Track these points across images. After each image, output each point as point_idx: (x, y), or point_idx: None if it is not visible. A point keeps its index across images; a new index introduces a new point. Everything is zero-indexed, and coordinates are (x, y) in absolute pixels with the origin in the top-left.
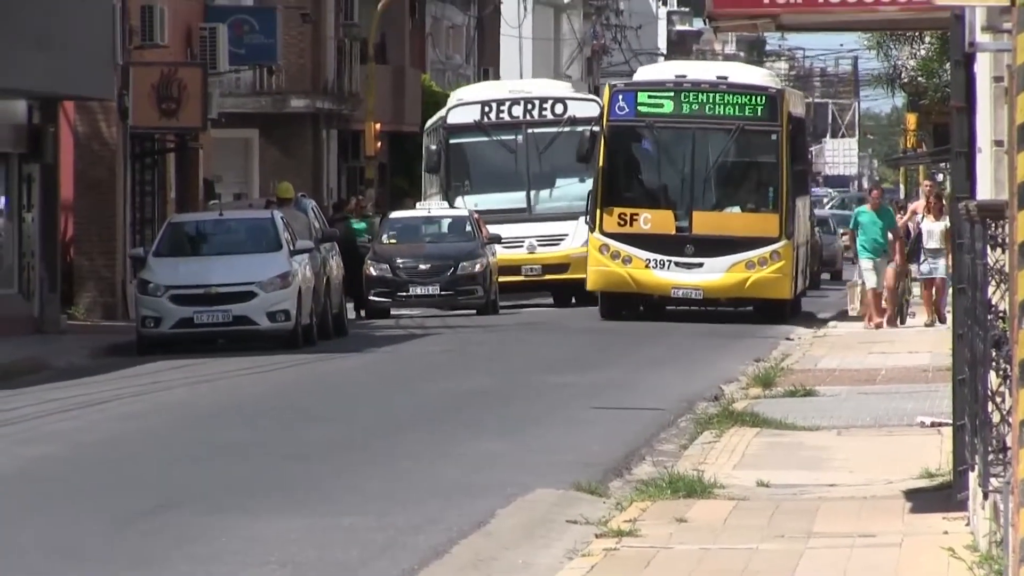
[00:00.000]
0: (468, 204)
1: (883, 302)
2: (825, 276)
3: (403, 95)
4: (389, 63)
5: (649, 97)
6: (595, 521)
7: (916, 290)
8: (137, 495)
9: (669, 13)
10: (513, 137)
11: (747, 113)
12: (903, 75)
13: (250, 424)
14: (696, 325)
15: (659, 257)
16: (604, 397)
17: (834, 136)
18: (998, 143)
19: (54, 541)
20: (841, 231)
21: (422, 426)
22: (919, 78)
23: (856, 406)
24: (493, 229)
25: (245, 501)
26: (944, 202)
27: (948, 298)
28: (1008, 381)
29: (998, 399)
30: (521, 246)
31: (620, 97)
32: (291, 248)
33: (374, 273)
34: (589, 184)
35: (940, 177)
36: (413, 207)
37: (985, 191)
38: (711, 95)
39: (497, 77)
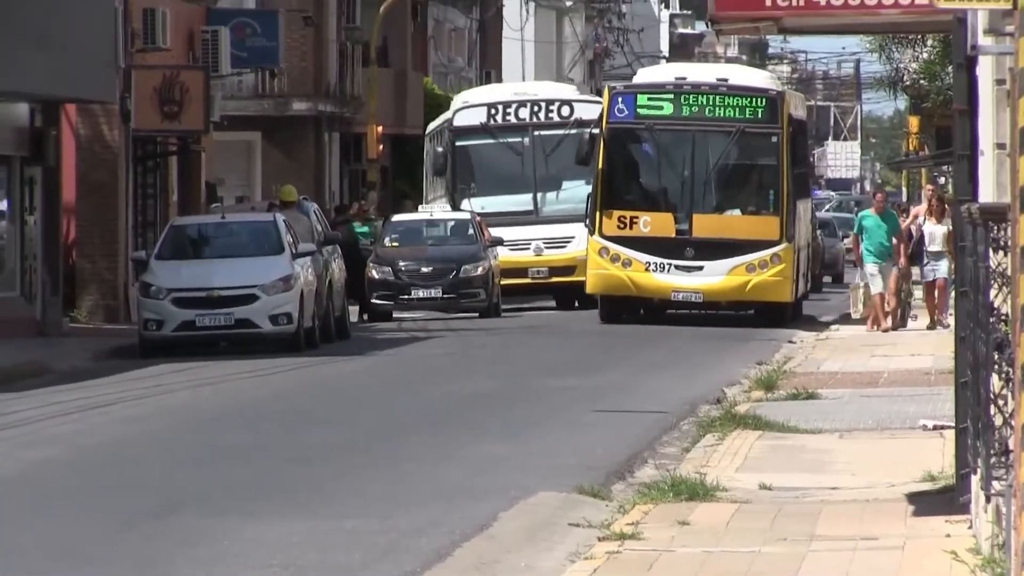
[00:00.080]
0: (474, 206)
1: (886, 305)
2: (826, 279)
3: (405, 98)
4: (391, 66)
5: (649, 99)
6: (597, 524)
7: (918, 293)
8: (139, 498)
9: (671, 16)
10: (520, 139)
11: (747, 115)
12: (905, 78)
13: (252, 427)
14: (697, 328)
15: (659, 260)
16: (606, 400)
17: (836, 139)
18: (1000, 146)
19: (56, 543)
20: (842, 234)
21: (424, 429)
22: (921, 81)
23: (858, 409)
24: (500, 231)
25: (247, 504)
26: (946, 205)
27: (950, 300)
28: (1010, 384)
29: (1000, 402)
30: (528, 248)
31: (620, 99)
32: (293, 251)
33: (376, 276)
34: None
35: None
36: (414, 210)
37: (987, 194)
38: (711, 97)
39: (499, 80)
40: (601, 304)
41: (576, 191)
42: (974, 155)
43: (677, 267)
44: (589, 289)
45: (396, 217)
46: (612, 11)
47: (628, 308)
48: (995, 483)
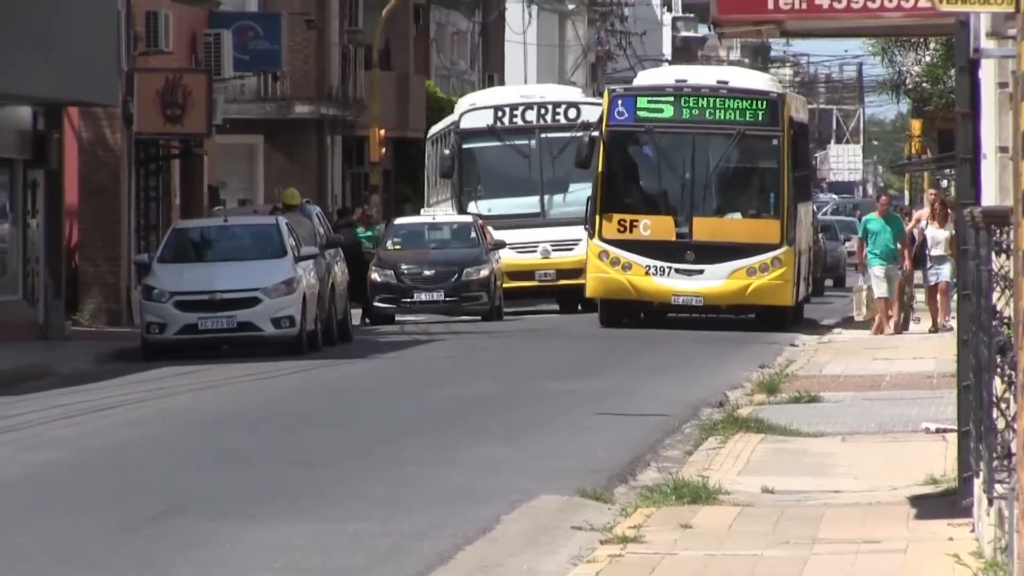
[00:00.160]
0: (481, 209)
1: (890, 310)
2: (828, 283)
3: (407, 101)
4: (393, 69)
5: (649, 102)
6: (600, 527)
7: (920, 296)
8: (141, 501)
9: (674, 19)
10: (526, 142)
11: (748, 118)
12: (908, 81)
13: (255, 430)
14: (698, 332)
15: (659, 264)
16: (608, 403)
17: (838, 142)
18: (1003, 149)
19: (58, 546)
20: (843, 237)
21: (427, 432)
22: (924, 84)
23: (861, 412)
24: (507, 234)
25: (249, 507)
26: (949, 209)
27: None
28: (1013, 387)
29: (1003, 405)
30: (535, 251)
31: (619, 102)
32: (296, 254)
33: (379, 279)
34: None
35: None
36: (413, 213)
37: (990, 197)
38: (711, 100)
39: (502, 83)
40: (601, 308)
41: (583, 193)
42: (976, 158)
43: (677, 271)
44: (589, 293)
45: (398, 220)
46: (614, 14)
47: (628, 312)
48: (997, 486)
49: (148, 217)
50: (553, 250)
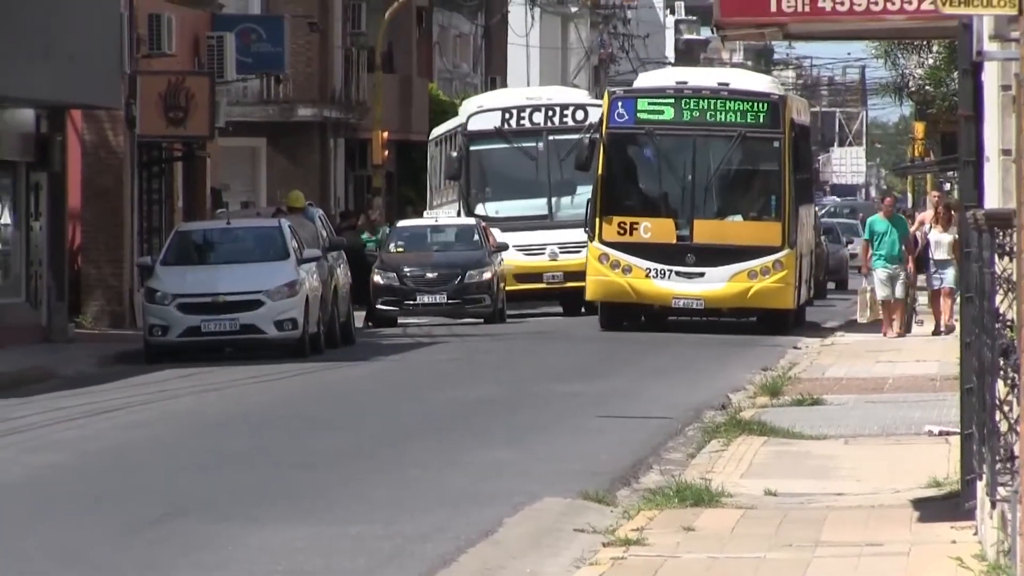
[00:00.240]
0: (489, 211)
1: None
2: (830, 285)
3: (410, 104)
4: (396, 72)
5: (649, 104)
6: (602, 530)
7: (922, 298)
8: (144, 503)
9: (676, 22)
10: (534, 144)
11: (748, 120)
12: (911, 84)
13: (257, 433)
14: (701, 335)
15: (659, 266)
16: (611, 406)
17: (841, 145)
18: (1006, 152)
19: (61, 548)
20: (845, 239)
21: (429, 434)
22: (927, 87)
23: (863, 415)
24: (514, 236)
25: (252, 509)
26: (953, 213)
27: (956, 306)
28: (1016, 390)
29: (1006, 408)
30: (543, 253)
31: (620, 104)
32: (298, 257)
33: (381, 282)
34: None
35: (948, 186)
36: (415, 216)
37: (992, 200)
38: (712, 102)
39: (504, 86)
40: (601, 311)
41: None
42: (979, 161)
43: (678, 273)
44: (589, 296)
45: (401, 223)
46: (617, 17)
47: (629, 315)
48: (1000, 489)
49: (151, 220)
50: (561, 252)
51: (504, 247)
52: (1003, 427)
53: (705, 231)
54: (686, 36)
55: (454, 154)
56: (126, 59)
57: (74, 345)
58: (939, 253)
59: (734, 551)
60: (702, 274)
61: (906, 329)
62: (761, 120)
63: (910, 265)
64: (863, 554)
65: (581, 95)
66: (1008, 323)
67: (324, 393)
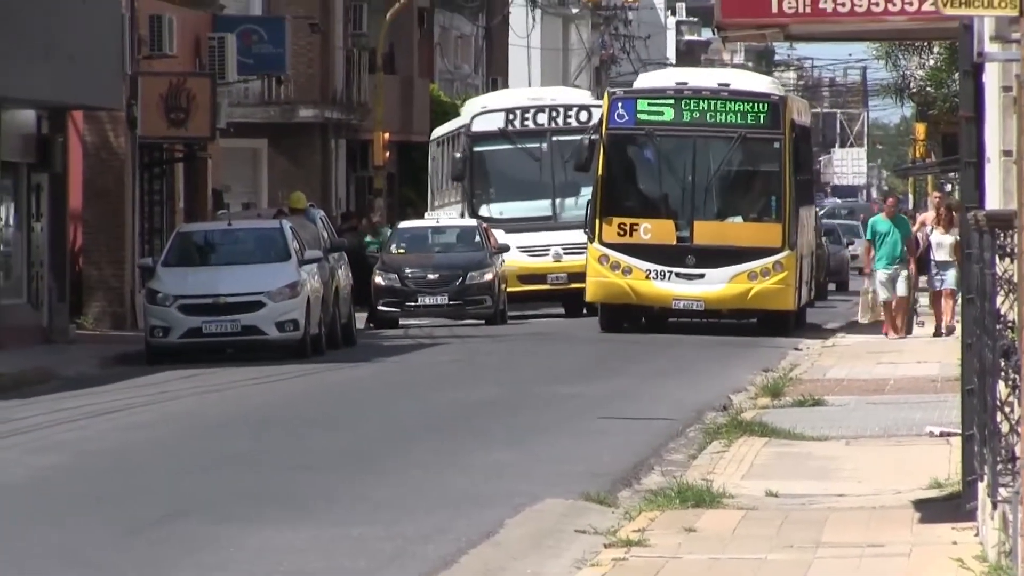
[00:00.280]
0: (493, 212)
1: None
2: (831, 287)
3: (411, 105)
4: (397, 73)
5: (649, 105)
6: (604, 531)
7: (923, 300)
8: (145, 504)
9: (678, 23)
10: (538, 145)
11: (749, 121)
12: (912, 85)
13: (258, 434)
14: (701, 336)
15: (659, 268)
16: (612, 407)
17: (842, 146)
18: (1007, 153)
19: (63, 550)
20: (846, 241)
21: (431, 436)
22: (928, 88)
23: (865, 416)
24: (518, 238)
25: (253, 510)
26: (954, 214)
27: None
28: (1017, 391)
29: (1007, 409)
30: (547, 254)
31: (619, 105)
32: (300, 258)
33: (383, 283)
34: None
35: (949, 187)
36: (415, 218)
37: (994, 201)
38: (712, 102)
39: (506, 87)
40: (601, 312)
41: None
42: (980, 162)
43: (678, 275)
44: (589, 297)
45: (402, 224)
46: (618, 18)
47: (629, 316)
48: (1002, 490)
49: (152, 221)
50: (565, 253)
51: (505, 248)
52: (1004, 428)
53: (705, 232)
54: (687, 37)
55: (458, 155)
56: (127, 60)
57: (75, 346)
58: (940, 254)
59: (735, 552)
60: (702, 275)
61: (907, 330)
62: (761, 121)
63: (912, 266)
64: (864, 555)
65: (585, 96)
66: (1009, 324)
67: (325, 394)
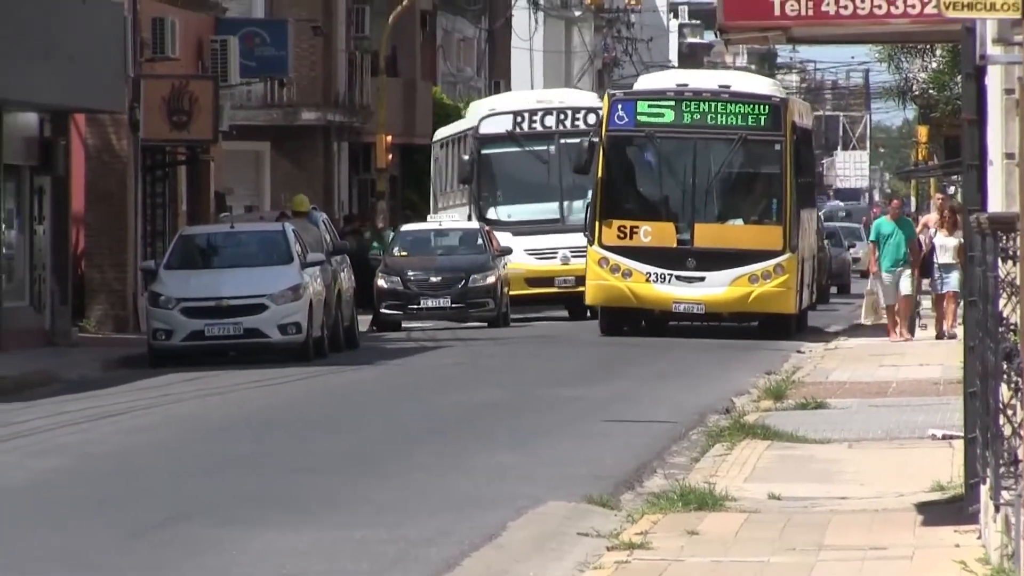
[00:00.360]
0: (500, 215)
1: (895, 314)
2: (832, 289)
3: (414, 107)
4: (400, 75)
5: (649, 106)
6: (606, 534)
7: (926, 302)
8: (148, 507)
9: (680, 26)
10: (546, 147)
11: (750, 123)
12: (914, 88)
13: (260, 437)
14: (702, 340)
15: (660, 271)
16: (615, 410)
17: (845, 149)
18: (1009, 156)
19: (65, 552)
20: (847, 244)
21: (433, 438)
22: (930, 91)
23: (867, 419)
24: (526, 240)
25: (255, 513)
26: (958, 217)
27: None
28: (1019, 394)
29: (1009, 412)
30: (555, 257)
31: (619, 106)
32: (302, 261)
33: (385, 286)
34: None
35: (951, 190)
36: (422, 221)
37: (996, 203)
38: (713, 104)
39: (508, 89)
40: (601, 316)
41: None
42: (983, 165)
43: (678, 278)
44: (589, 300)
45: (405, 227)
46: (621, 21)
47: (629, 320)
48: (1004, 493)
49: (155, 223)
50: (572, 256)
51: (508, 251)
52: (1007, 431)
53: (706, 235)
54: (689, 40)
55: (466, 157)
56: (130, 63)
57: (78, 349)
58: (944, 257)
59: (738, 555)
60: (703, 278)
61: (911, 332)
62: (762, 123)
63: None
64: (867, 558)
65: (592, 98)
66: (1011, 327)
67: (327, 397)
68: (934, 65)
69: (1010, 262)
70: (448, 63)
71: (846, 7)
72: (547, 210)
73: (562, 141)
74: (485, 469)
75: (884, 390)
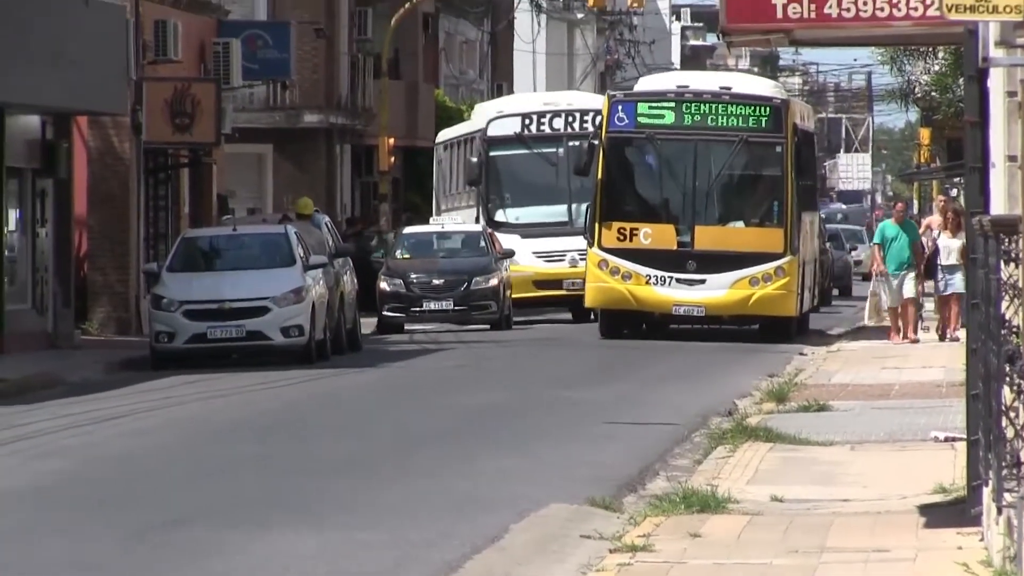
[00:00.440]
0: (509, 217)
1: (898, 317)
2: (834, 292)
3: (416, 110)
4: (402, 78)
5: (649, 108)
6: (609, 536)
7: (929, 305)
8: (150, 510)
9: (683, 28)
10: (554, 149)
11: (751, 124)
12: (917, 90)
13: (263, 439)
14: (704, 342)
15: (660, 273)
16: (617, 412)
17: (847, 151)
18: (1011, 158)
19: (67, 556)
20: (849, 247)
21: (436, 441)
22: (933, 93)
23: (870, 421)
24: (534, 243)
25: (258, 516)
26: (962, 218)
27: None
28: (1021, 396)
29: (1012, 414)
30: (563, 260)
31: (619, 108)
32: (305, 263)
33: (388, 288)
34: None
35: (954, 192)
36: (425, 223)
37: (998, 206)
38: (713, 106)
39: (511, 92)
40: (601, 318)
41: None
42: (985, 167)
43: (678, 280)
44: (588, 303)
45: (407, 229)
46: (623, 23)
47: (629, 322)
48: (1007, 495)
49: (157, 226)
50: (581, 259)
51: (510, 253)
52: (1009, 433)
53: (706, 237)
54: (692, 42)
55: (474, 159)
56: (132, 66)
57: (80, 352)
58: (948, 258)
59: (740, 557)
60: (703, 281)
61: (915, 334)
62: (763, 124)
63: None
64: (869, 560)
65: (599, 101)
66: (1014, 329)
67: (330, 400)
68: (936, 68)
69: (1012, 264)
70: (450, 65)
71: (848, 10)
72: (555, 212)
73: (570, 143)
74: (487, 471)
75: (887, 392)
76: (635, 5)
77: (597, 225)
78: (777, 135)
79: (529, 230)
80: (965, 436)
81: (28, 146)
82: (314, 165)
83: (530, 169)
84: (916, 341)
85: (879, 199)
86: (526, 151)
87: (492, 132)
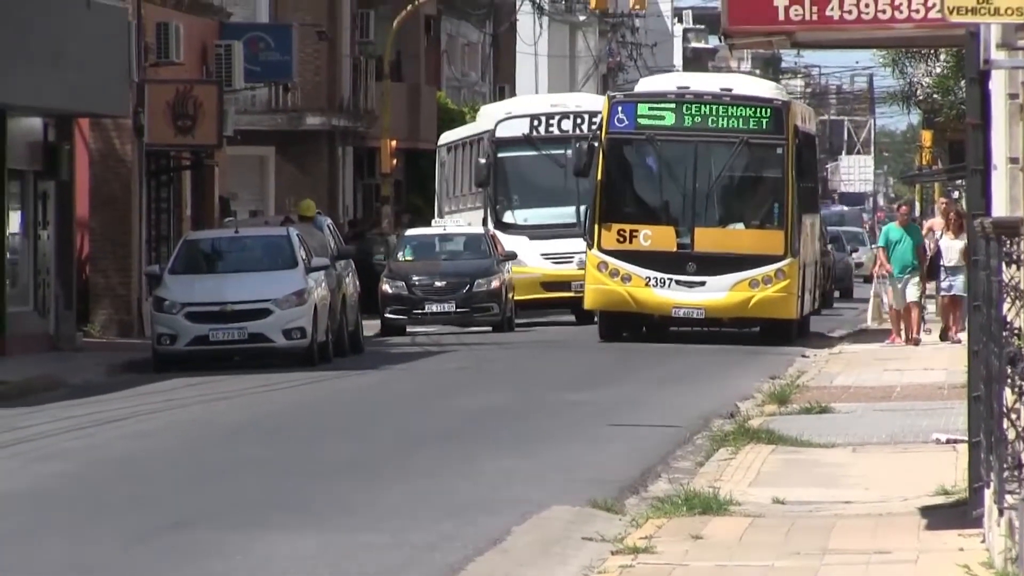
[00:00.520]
0: (517, 219)
1: (899, 319)
2: (835, 294)
3: (418, 112)
4: (404, 80)
5: (650, 109)
6: (611, 538)
7: (931, 307)
8: (152, 512)
9: (685, 30)
10: (562, 151)
11: (751, 126)
12: (918, 92)
13: (265, 441)
14: (704, 345)
15: (659, 275)
16: (619, 414)
17: (849, 153)
18: (1013, 160)
19: (69, 558)
20: (850, 248)
21: (438, 443)
22: (934, 95)
23: (871, 423)
24: (542, 244)
25: (260, 518)
26: (964, 220)
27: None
28: (1023, 398)
29: (1013, 416)
30: (571, 261)
31: (619, 109)
32: (307, 265)
33: (390, 290)
34: None
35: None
36: (427, 225)
37: (1000, 208)
38: (714, 107)
39: (513, 94)
40: (600, 321)
41: None
42: (987, 169)
43: (678, 282)
44: (587, 305)
45: (409, 232)
46: (625, 25)
47: (628, 324)
48: (1008, 496)
49: (159, 228)
50: None
51: (512, 255)
52: (1011, 435)
53: (706, 239)
54: (694, 44)
55: (483, 161)
56: (134, 68)
57: (82, 354)
58: (950, 260)
59: (742, 559)
60: (703, 283)
61: (918, 335)
62: (764, 126)
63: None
64: (871, 562)
65: (602, 102)
66: (1015, 331)
67: (332, 402)
68: (938, 70)
69: (1014, 266)
70: (452, 68)
71: (850, 12)
72: (563, 214)
73: (578, 145)
74: (489, 473)
75: (888, 394)
76: (637, 7)
77: (596, 227)
78: (778, 137)
79: (537, 231)
80: (966, 438)
81: (30, 148)
82: (316, 167)
83: (538, 171)
84: (918, 342)
85: (881, 201)
86: (535, 153)
87: (501, 133)
